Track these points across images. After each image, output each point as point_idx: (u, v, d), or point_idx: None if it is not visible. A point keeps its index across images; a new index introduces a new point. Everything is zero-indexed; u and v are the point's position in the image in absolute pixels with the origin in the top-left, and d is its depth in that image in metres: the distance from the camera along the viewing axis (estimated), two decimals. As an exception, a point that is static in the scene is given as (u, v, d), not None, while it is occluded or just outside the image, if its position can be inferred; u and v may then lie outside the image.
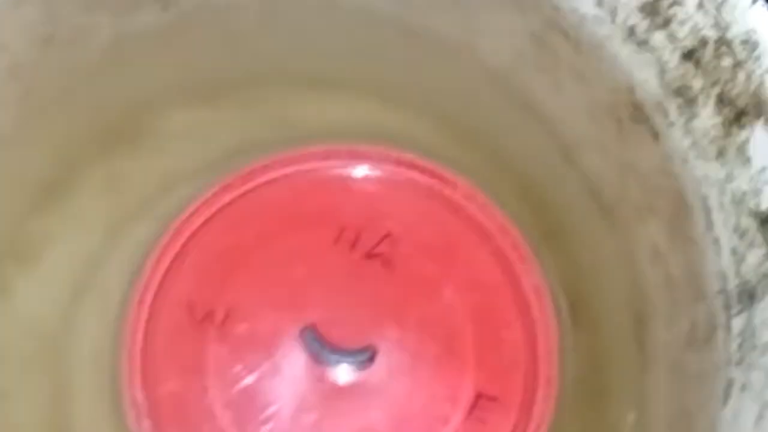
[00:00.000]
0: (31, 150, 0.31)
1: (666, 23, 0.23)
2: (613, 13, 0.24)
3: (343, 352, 0.27)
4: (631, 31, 0.24)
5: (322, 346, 0.27)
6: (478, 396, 0.28)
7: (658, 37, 0.24)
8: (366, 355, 0.27)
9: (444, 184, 0.30)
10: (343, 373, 0.27)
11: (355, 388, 0.27)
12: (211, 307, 0.28)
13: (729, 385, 0.24)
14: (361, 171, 0.30)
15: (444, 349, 0.28)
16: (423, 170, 0.30)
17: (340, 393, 0.27)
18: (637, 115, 0.26)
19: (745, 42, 0.22)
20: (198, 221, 0.29)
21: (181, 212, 0.30)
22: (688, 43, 0.23)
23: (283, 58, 0.33)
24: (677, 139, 0.25)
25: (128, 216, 0.32)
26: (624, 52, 0.25)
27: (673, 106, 0.24)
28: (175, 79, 0.33)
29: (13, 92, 0.28)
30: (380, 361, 0.27)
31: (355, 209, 0.29)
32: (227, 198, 0.29)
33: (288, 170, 0.29)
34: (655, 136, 0.25)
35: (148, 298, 0.28)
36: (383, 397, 0.27)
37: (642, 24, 0.24)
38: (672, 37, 0.23)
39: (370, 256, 0.28)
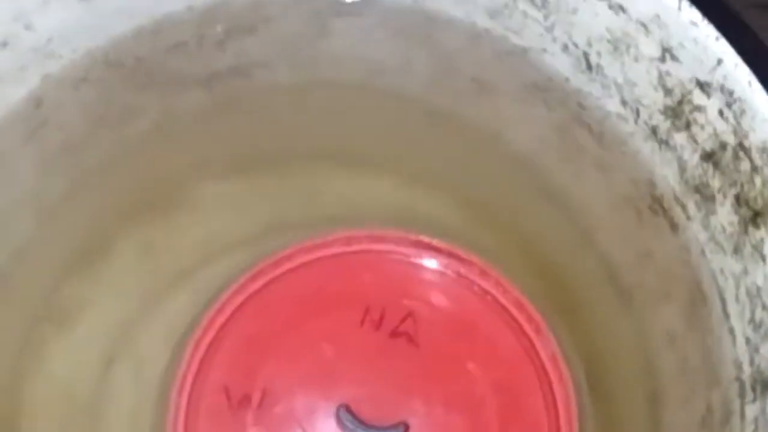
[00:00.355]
0: (74, 219, 0.32)
1: (687, 126, 0.25)
2: (636, 113, 0.26)
3: (376, 429, 0.28)
4: (654, 131, 0.25)
5: (356, 425, 0.28)
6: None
7: (679, 138, 0.25)
8: (400, 430, 0.29)
9: (460, 263, 0.31)
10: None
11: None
12: (247, 391, 0.29)
13: (742, 468, 0.25)
14: (381, 254, 0.31)
15: (470, 421, 0.29)
16: (439, 251, 0.31)
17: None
18: (656, 207, 0.27)
19: (762, 150, 0.23)
20: (230, 308, 0.30)
21: (216, 287, 0.31)
22: (708, 146, 0.24)
23: (314, 135, 0.34)
24: (695, 232, 0.26)
25: (164, 286, 0.33)
26: (646, 149, 0.26)
27: (691, 202, 0.26)
28: (213, 153, 0.34)
29: (64, 166, 0.30)
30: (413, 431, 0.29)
31: (377, 291, 0.30)
32: (257, 284, 0.30)
33: (312, 256, 0.31)
34: (674, 227, 0.27)
35: (188, 385, 0.29)
36: None
37: (664, 125, 0.25)
38: (692, 139, 0.25)
39: (395, 335, 0.30)
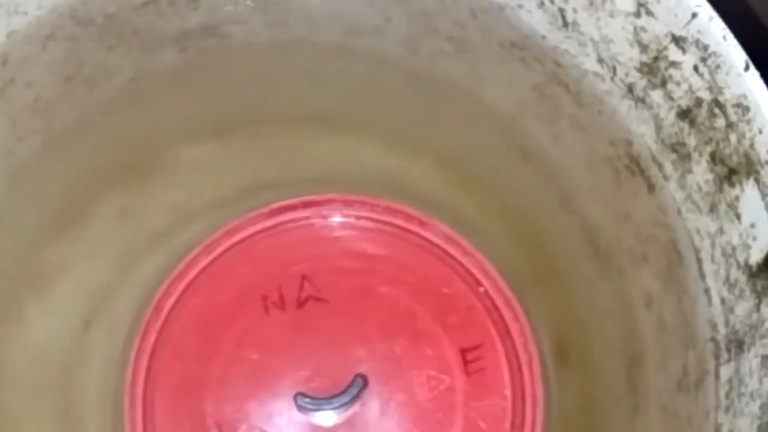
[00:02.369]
0: (49, 181, 0.32)
1: (663, 83, 0.24)
2: (613, 71, 0.25)
3: (338, 395, 0.28)
4: (630, 89, 0.25)
5: (319, 403, 0.28)
6: (463, 351, 0.29)
7: (655, 96, 0.25)
8: (360, 384, 0.28)
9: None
10: (349, 410, 0.28)
11: (362, 413, 0.28)
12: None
13: (717, 429, 0.25)
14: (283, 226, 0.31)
15: (412, 333, 0.29)
16: (321, 203, 0.31)
17: (353, 426, 0.28)
18: (633, 167, 0.27)
19: (737, 105, 0.23)
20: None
21: (192, 248, 0.31)
22: (684, 103, 0.24)
23: (294, 98, 0.34)
24: (671, 192, 0.26)
25: (141, 248, 0.33)
26: (623, 108, 0.26)
27: (668, 161, 0.25)
28: (189, 116, 0.34)
29: (36, 126, 0.29)
30: (372, 378, 0.28)
31: (263, 275, 0.30)
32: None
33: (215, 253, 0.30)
34: (651, 188, 0.26)
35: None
36: (392, 401, 0.28)
37: (640, 83, 0.25)
38: (668, 97, 0.24)
39: (300, 303, 0.29)
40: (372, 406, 0.28)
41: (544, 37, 0.26)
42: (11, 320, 0.33)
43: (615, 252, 0.30)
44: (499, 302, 0.30)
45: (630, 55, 0.24)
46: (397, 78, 0.32)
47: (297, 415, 0.28)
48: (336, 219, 0.31)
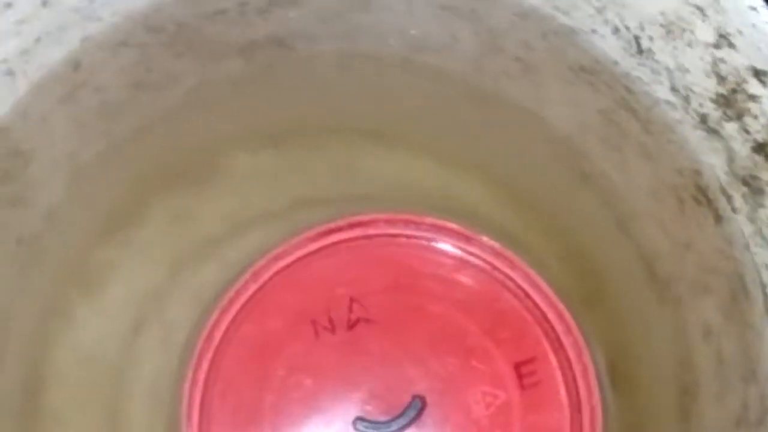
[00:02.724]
0: (106, 184, 0.32)
1: (739, 116, 0.24)
2: (686, 100, 0.25)
3: (399, 418, 0.28)
4: (703, 119, 0.25)
5: (378, 426, 0.28)
6: (517, 366, 0.29)
7: (730, 128, 0.24)
8: (418, 406, 0.28)
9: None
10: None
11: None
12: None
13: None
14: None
15: (464, 350, 0.29)
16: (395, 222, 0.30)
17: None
18: (700, 197, 0.26)
19: (818, 143, 0.23)
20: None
21: (244, 258, 0.31)
22: (760, 137, 0.24)
23: (352, 110, 0.34)
24: (740, 224, 0.25)
25: (193, 255, 0.33)
26: (694, 138, 0.25)
27: (738, 194, 0.25)
28: (246, 124, 0.34)
29: (100, 129, 0.30)
30: (428, 398, 0.28)
31: (312, 297, 0.29)
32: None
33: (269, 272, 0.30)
34: (718, 219, 0.26)
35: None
36: (449, 421, 0.28)
37: (715, 114, 0.24)
38: (744, 130, 0.24)
39: (351, 326, 0.29)
40: (429, 427, 0.28)
41: (616, 63, 0.26)
42: (60, 319, 0.33)
43: (673, 280, 0.30)
44: (551, 315, 0.30)
45: (706, 86, 0.24)
46: (458, 95, 0.32)
47: None
48: (381, 238, 0.30)
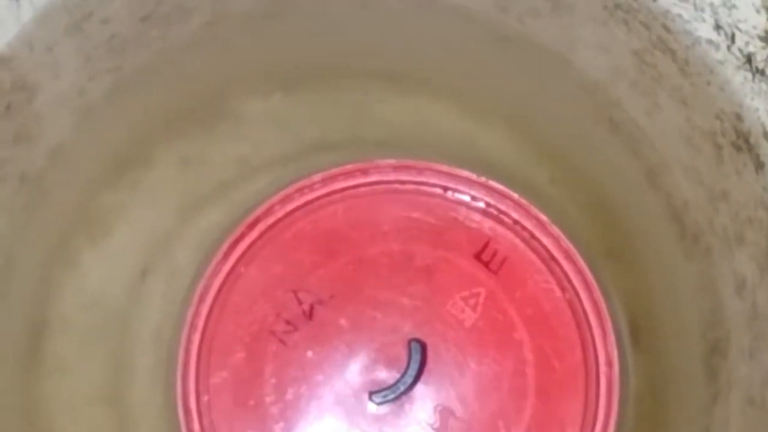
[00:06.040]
0: (114, 123, 0.31)
1: (790, 54, 0.23)
2: (731, 39, 0.24)
3: (408, 367, 0.27)
4: (749, 59, 0.24)
5: (397, 388, 0.27)
6: (477, 255, 0.28)
7: (779, 68, 0.23)
8: (419, 347, 0.27)
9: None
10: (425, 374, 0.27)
11: (433, 371, 0.27)
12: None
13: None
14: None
15: (425, 272, 0.27)
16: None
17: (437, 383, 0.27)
18: (741, 143, 0.25)
19: None
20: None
21: (256, 202, 0.29)
22: (812, 76, 0.23)
23: (368, 52, 0.33)
24: (784, 172, 0.24)
25: (202, 199, 0.32)
26: (737, 79, 0.24)
27: (783, 139, 0.24)
28: (258, 65, 0.33)
29: (109, 65, 0.28)
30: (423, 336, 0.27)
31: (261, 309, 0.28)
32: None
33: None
34: (759, 166, 0.25)
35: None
36: (446, 341, 0.27)
37: (762, 53, 0.23)
38: (794, 69, 0.23)
39: (309, 315, 0.28)
40: (440, 362, 0.27)
41: (655, 0, 0.25)
42: (66, 265, 0.32)
43: (705, 232, 0.28)
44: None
45: (754, 23, 0.23)
46: (481, 37, 0.30)
47: (384, 409, 0.27)
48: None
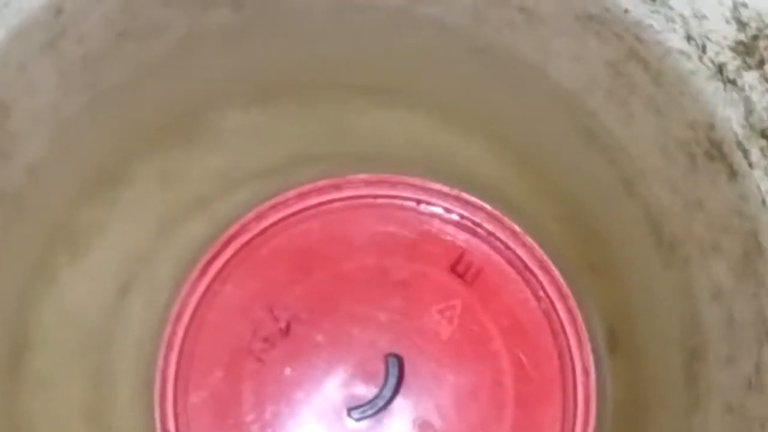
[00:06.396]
0: (91, 139, 0.31)
1: (760, 64, 0.23)
2: (702, 49, 0.24)
3: (386, 382, 0.27)
4: (720, 69, 0.24)
5: (375, 403, 0.27)
6: (452, 267, 0.28)
7: (749, 78, 0.23)
8: (395, 362, 0.27)
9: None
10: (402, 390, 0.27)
11: (410, 384, 0.27)
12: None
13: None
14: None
15: (400, 286, 0.28)
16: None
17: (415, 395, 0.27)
18: (714, 152, 0.25)
19: None
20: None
21: (236, 216, 0.29)
22: (782, 86, 0.23)
23: (346, 65, 0.33)
24: (756, 180, 0.24)
25: (182, 213, 0.32)
26: (709, 89, 0.24)
27: (755, 147, 0.24)
28: (236, 79, 0.33)
29: (84, 81, 0.28)
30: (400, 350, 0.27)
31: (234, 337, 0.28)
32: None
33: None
34: (732, 175, 0.25)
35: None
36: (422, 354, 0.27)
37: (733, 63, 0.23)
38: (765, 79, 0.23)
39: (285, 332, 0.28)
40: (418, 376, 0.27)
41: (627, 11, 0.25)
42: (44, 281, 0.32)
43: (681, 241, 0.29)
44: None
45: (725, 33, 0.23)
46: (458, 49, 0.31)
47: (363, 425, 0.27)
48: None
